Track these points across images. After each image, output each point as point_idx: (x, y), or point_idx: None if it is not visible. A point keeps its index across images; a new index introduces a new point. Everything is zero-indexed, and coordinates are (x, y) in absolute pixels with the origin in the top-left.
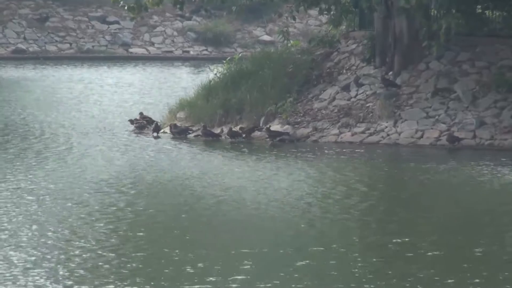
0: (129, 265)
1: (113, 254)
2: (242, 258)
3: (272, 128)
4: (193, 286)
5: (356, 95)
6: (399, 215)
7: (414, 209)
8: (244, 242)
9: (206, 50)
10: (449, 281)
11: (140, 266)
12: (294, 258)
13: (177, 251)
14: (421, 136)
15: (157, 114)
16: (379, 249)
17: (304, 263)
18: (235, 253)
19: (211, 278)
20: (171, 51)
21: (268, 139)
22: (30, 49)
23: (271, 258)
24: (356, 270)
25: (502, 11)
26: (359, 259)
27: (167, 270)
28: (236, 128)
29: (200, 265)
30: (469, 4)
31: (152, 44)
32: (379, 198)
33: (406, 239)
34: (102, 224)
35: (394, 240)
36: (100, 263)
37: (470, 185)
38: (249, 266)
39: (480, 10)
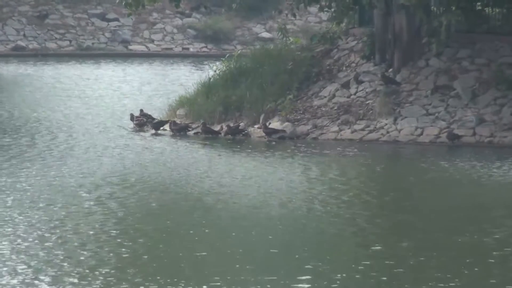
0: (196, 264)
1: (181, 254)
2: (305, 257)
3: (269, 126)
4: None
5: (356, 92)
6: (443, 213)
7: (452, 207)
8: (302, 242)
9: (206, 47)
10: None
11: (213, 264)
12: (357, 257)
13: (241, 250)
14: (421, 134)
15: (157, 111)
16: (446, 248)
17: (368, 262)
18: (297, 251)
19: (273, 277)
20: (171, 48)
21: (265, 137)
22: (30, 46)
23: (334, 257)
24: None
25: (501, 8)
26: (422, 258)
27: (224, 267)
28: (219, 127)
29: (259, 262)
30: (469, 1)
31: (152, 41)
32: (416, 195)
33: (474, 237)
34: (163, 221)
35: (460, 239)
36: (166, 261)
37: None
38: (312, 266)
39: (480, 7)
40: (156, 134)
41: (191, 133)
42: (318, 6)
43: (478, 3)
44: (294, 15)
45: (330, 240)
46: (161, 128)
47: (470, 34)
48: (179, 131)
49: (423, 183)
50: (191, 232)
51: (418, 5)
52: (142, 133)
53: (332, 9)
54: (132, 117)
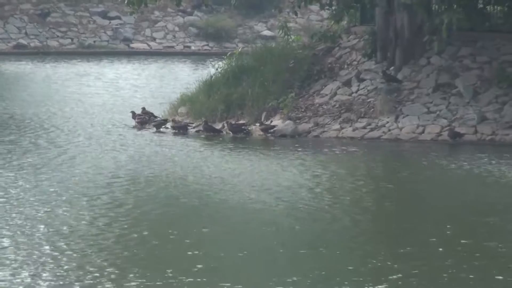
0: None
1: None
2: (363, 256)
3: (262, 123)
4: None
5: (357, 90)
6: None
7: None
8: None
9: (208, 45)
10: None
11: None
12: (410, 257)
13: (281, 250)
14: (422, 132)
15: (158, 109)
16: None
17: (420, 262)
18: (355, 250)
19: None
20: (173, 46)
21: (262, 134)
22: (32, 44)
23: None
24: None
25: (503, 6)
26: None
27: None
28: (219, 125)
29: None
30: None
31: (154, 39)
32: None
33: None
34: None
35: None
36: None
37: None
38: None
39: (481, 5)
40: (158, 132)
41: (192, 131)
42: (319, 4)
43: (480, 1)
44: (296, 13)
45: (369, 239)
46: (163, 126)
47: (471, 32)
48: (180, 129)
49: (438, 182)
50: (241, 231)
51: (420, 3)
52: (144, 131)
53: (333, 7)
54: (133, 115)
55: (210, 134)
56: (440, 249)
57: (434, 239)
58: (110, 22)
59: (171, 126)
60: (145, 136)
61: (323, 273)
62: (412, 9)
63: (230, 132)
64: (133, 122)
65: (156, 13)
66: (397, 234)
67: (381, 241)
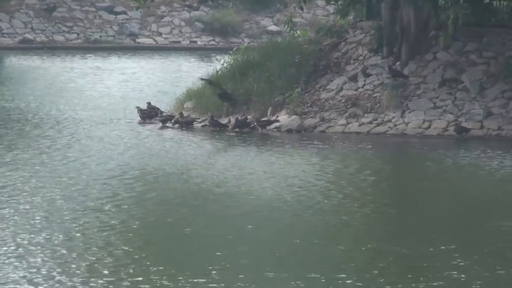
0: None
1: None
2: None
3: (259, 119)
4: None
5: (364, 85)
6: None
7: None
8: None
9: (214, 40)
10: None
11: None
12: (448, 255)
13: (321, 246)
14: (429, 127)
15: (164, 104)
16: None
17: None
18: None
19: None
20: (179, 42)
21: (260, 129)
22: (38, 39)
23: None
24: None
25: (509, 1)
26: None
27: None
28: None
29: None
30: None
31: (160, 34)
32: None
33: None
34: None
35: None
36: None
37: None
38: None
39: (487, 1)
40: (163, 127)
41: (198, 126)
42: None
43: None
44: (301, 8)
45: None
46: (168, 121)
47: (477, 27)
48: (186, 124)
49: (450, 177)
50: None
51: None
52: (150, 126)
53: (339, 2)
54: (138, 110)
55: (216, 129)
56: (478, 247)
57: (471, 237)
58: (116, 17)
59: (177, 121)
60: (150, 131)
61: (362, 271)
62: (419, 4)
63: (236, 127)
64: (138, 117)
65: (162, 8)
66: (431, 231)
67: (418, 238)
